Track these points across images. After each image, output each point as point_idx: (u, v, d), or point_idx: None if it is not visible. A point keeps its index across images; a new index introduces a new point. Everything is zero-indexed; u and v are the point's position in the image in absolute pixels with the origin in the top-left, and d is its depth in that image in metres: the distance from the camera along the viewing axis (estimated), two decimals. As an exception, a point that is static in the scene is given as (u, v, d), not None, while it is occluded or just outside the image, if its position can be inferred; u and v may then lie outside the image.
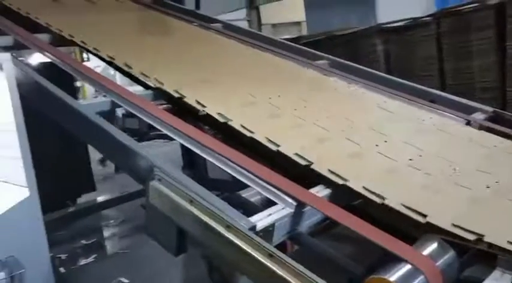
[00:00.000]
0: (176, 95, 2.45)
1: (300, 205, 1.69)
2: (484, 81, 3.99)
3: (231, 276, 1.61)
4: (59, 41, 3.08)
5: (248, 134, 2.15)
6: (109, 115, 2.27)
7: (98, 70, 4.19)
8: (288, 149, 2.02)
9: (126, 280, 3.44)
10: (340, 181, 1.84)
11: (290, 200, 1.69)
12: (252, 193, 1.90)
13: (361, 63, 3.39)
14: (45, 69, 2.89)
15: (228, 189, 2.09)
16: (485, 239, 1.52)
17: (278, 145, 2.05)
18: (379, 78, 3.14)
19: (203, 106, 2.35)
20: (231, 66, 3.12)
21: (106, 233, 4.76)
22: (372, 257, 1.56)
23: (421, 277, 1.38)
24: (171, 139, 2.14)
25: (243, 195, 1.91)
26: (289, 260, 1.38)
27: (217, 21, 4.13)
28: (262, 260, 1.42)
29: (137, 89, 2.75)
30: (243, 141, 2.17)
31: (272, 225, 1.59)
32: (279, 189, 1.73)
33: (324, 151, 2.07)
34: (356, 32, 5.06)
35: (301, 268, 1.36)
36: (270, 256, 1.41)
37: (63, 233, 4.43)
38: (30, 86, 2.36)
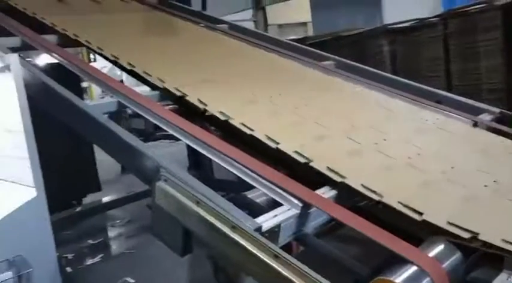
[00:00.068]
0: (178, 93, 2.46)
1: (306, 206, 1.69)
2: (491, 82, 3.97)
3: (236, 276, 1.61)
4: (66, 41, 3.10)
5: (248, 132, 2.16)
6: (116, 115, 2.28)
7: (105, 71, 4.22)
8: (288, 147, 2.03)
9: (132, 280, 3.45)
10: (339, 179, 1.85)
11: (296, 201, 1.69)
12: (258, 194, 1.90)
13: (367, 63, 3.39)
14: (51, 70, 2.91)
15: (234, 190, 2.09)
16: (480, 237, 1.53)
17: (277, 143, 2.06)
18: (385, 78, 3.14)
19: (204, 104, 2.36)
20: (235, 66, 3.13)
21: (112, 233, 4.78)
22: (377, 258, 1.56)
23: (427, 279, 1.38)
24: (177, 139, 2.15)
25: (249, 196, 1.91)
26: (295, 261, 1.38)
27: (223, 22, 4.14)
28: (268, 261, 1.42)
29: (144, 89, 2.77)
30: (244, 139, 2.18)
31: (278, 226, 1.59)
32: (284, 190, 1.73)
33: (323, 149, 2.08)
34: (362, 32, 5.05)
35: (306, 269, 1.36)
36: (276, 257, 1.41)
37: (70, 233, 4.46)
38: (38, 86, 2.38)
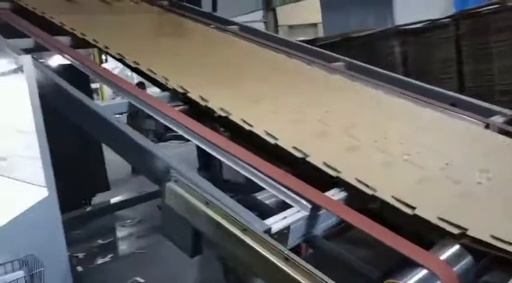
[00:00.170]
0: (181, 90, 2.49)
1: (315, 208, 1.68)
2: (503, 83, 3.92)
3: (246, 277, 1.61)
4: (78, 43, 3.13)
5: (247, 128, 2.19)
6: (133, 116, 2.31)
7: (116, 72, 4.25)
8: (286, 143, 2.05)
9: (142, 280, 3.47)
10: (334, 173, 1.87)
11: (305, 203, 1.69)
12: (267, 196, 1.90)
13: (378, 65, 3.36)
14: (62, 71, 2.94)
15: (243, 191, 2.10)
16: (469, 233, 1.54)
17: (276, 139, 2.08)
18: (396, 80, 3.12)
19: (206, 101, 2.38)
20: (243, 67, 3.14)
21: (123, 233, 4.81)
22: (387, 261, 1.55)
23: (438, 282, 1.37)
24: (187, 140, 2.16)
25: (258, 198, 1.92)
26: (304, 263, 1.38)
27: (233, 23, 4.14)
28: (277, 263, 1.42)
29: (154, 91, 2.79)
30: (254, 141, 2.19)
31: (287, 228, 1.59)
32: (294, 192, 1.73)
33: (321, 145, 2.10)
34: (373, 33, 5.02)
35: (316, 271, 1.36)
36: (285, 259, 1.41)
37: (80, 232, 4.49)
38: (50, 87, 2.40)
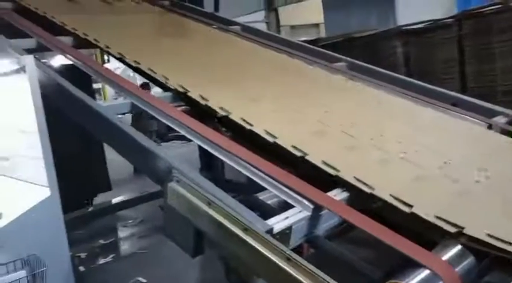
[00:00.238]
0: (181, 90, 2.50)
1: (317, 209, 1.68)
2: (506, 84, 3.92)
3: (248, 278, 1.61)
4: (80, 43, 3.13)
5: (248, 127, 2.20)
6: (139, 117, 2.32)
7: (118, 72, 4.26)
8: (285, 141, 2.06)
9: (144, 280, 3.47)
10: (333, 172, 1.87)
11: (307, 203, 1.68)
12: (269, 196, 1.90)
13: (380, 65, 3.36)
14: (64, 71, 2.94)
15: (245, 191, 2.10)
16: (465, 231, 1.54)
17: (275, 137, 2.09)
18: (398, 80, 3.11)
19: (206, 100, 2.39)
20: (245, 67, 3.15)
21: (125, 233, 4.81)
22: (389, 261, 1.55)
23: (440, 283, 1.37)
24: (189, 140, 2.16)
25: (260, 198, 1.92)
26: (306, 263, 1.38)
27: (235, 23, 4.14)
28: (279, 263, 1.42)
29: (158, 91, 2.79)
30: (256, 141, 2.19)
31: (289, 228, 1.59)
32: (296, 192, 1.72)
33: (320, 144, 2.11)
34: (375, 34, 5.02)
35: (318, 271, 1.36)
36: (287, 259, 1.41)
37: (82, 232, 4.50)
38: (52, 87, 2.41)
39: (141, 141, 2.01)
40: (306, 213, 1.66)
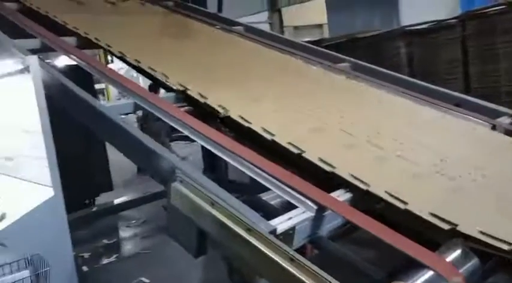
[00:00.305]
0: (180, 88, 2.52)
1: (321, 209, 1.68)
2: (510, 84, 3.90)
3: (251, 278, 1.60)
4: (84, 43, 3.14)
5: (246, 124, 2.21)
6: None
7: (121, 72, 4.26)
8: (283, 139, 2.08)
9: (147, 280, 3.47)
10: (329, 169, 1.88)
11: (311, 204, 1.68)
12: (272, 196, 1.90)
13: (384, 66, 3.36)
14: (66, 72, 2.94)
15: (248, 192, 2.10)
16: (459, 228, 1.55)
17: (273, 135, 2.10)
18: (402, 81, 3.11)
19: (205, 98, 2.40)
20: (247, 67, 3.15)
21: (128, 233, 4.82)
22: (392, 262, 1.54)
23: (444, 284, 1.36)
24: (193, 141, 2.16)
25: (263, 198, 1.91)
26: (310, 264, 1.38)
27: (239, 24, 4.14)
28: (283, 264, 1.42)
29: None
30: (259, 141, 2.19)
31: (292, 229, 1.59)
32: (299, 193, 1.72)
33: (317, 141, 2.13)
34: (379, 34, 5.01)
35: (321, 272, 1.35)
36: (291, 260, 1.41)
37: (86, 232, 4.50)
38: (56, 88, 2.41)
39: (145, 141, 2.01)
40: (310, 214, 1.65)
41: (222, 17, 4.30)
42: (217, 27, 3.98)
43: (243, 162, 1.90)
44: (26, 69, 2.14)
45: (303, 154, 1.98)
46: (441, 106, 2.76)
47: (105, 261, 4.05)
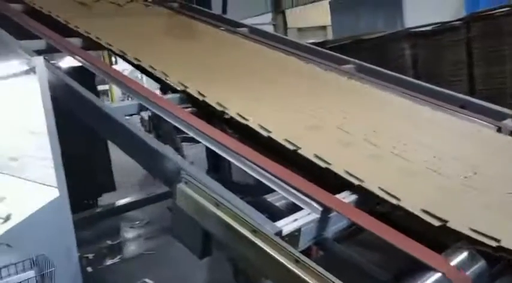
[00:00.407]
0: (180, 87, 2.54)
1: (326, 211, 1.68)
2: (515, 86, 3.89)
3: (256, 279, 1.60)
4: (89, 44, 3.15)
5: (243, 122, 2.22)
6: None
7: (125, 73, 4.27)
8: (279, 136, 2.09)
9: (151, 281, 3.47)
10: (324, 165, 1.89)
11: (316, 205, 1.68)
12: (277, 198, 1.89)
13: (388, 67, 3.35)
14: (69, 72, 2.95)
15: (252, 193, 2.09)
16: (449, 225, 1.57)
17: (270, 132, 2.11)
18: (407, 82, 3.10)
19: (203, 96, 2.42)
20: (249, 68, 3.16)
21: (132, 234, 4.82)
22: (398, 264, 1.54)
23: (450, 286, 1.36)
24: (197, 142, 2.16)
25: (268, 199, 1.91)
26: (315, 266, 1.38)
27: (243, 25, 4.15)
28: (288, 265, 1.41)
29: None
30: (264, 142, 2.19)
31: (298, 230, 1.58)
32: (305, 194, 1.72)
33: (313, 139, 2.14)
34: (383, 36, 5.00)
35: (327, 274, 1.35)
36: (296, 261, 1.41)
37: (89, 233, 4.51)
38: (61, 88, 2.42)
39: (150, 142, 2.01)
40: (315, 216, 1.65)
41: (226, 19, 4.31)
42: (222, 28, 3.99)
43: (249, 164, 1.89)
44: (31, 70, 2.15)
45: (299, 151, 2.00)
46: (446, 108, 2.76)
47: (109, 261, 4.06)
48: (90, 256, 4.10)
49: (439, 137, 2.41)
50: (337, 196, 1.77)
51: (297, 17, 10.91)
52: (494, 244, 1.49)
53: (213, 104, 2.36)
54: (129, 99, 2.55)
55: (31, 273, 1.89)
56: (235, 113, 2.28)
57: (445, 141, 2.38)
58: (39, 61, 2.16)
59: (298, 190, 1.74)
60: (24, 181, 2.29)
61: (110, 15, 3.93)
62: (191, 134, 2.15)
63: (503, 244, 1.49)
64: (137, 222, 5.02)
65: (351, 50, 4.66)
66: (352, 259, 1.77)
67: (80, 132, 3.78)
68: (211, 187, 1.73)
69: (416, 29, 4.72)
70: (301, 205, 1.70)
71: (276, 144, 2.11)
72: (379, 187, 1.77)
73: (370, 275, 1.71)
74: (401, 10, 7.89)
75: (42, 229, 1.99)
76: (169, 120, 2.25)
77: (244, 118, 2.24)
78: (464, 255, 1.50)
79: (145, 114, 2.46)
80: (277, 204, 1.89)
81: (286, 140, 2.06)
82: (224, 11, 5.33)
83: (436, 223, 1.59)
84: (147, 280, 3.50)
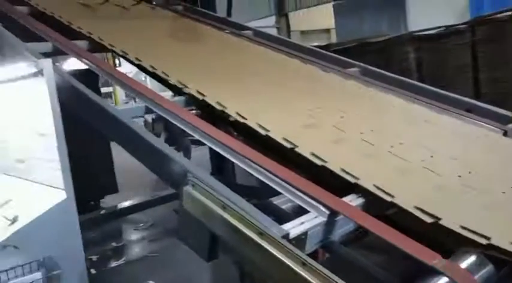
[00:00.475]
0: (180, 86, 2.56)
1: (333, 214, 1.68)
2: (521, 90, 3.89)
3: (262, 282, 1.60)
4: (95, 47, 3.16)
5: (241, 120, 2.24)
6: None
7: (130, 76, 4.28)
8: (277, 134, 2.11)
9: (155, 284, 3.48)
10: (320, 163, 1.92)
11: (323, 208, 1.68)
12: (283, 201, 1.90)
13: (392, 71, 3.35)
14: (74, 74, 2.96)
15: (257, 196, 2.10)
16: (441, 222, 1.59)
17: (267, 131, 2.14)
18: (411, 86, 3.10)
19: (203, 95, 2.44)
20: (252, 70, 3.17)
21: (136, 236, 4.83)
22: (405, 268, 1.54)
23: (458, 290, 1.35)
24: (202, 144, 2.17)
25: (274, 202, 1.91)
26: (322, 268, 1.38)
27: (247, 28, 4.15)
28: (295, 268, 1.42)
29: (169, 94, 2.81)
30: (269, 144, 2.20)
31: (305, 233, 1.59)
32: (311, 197, 1.72)
33: (309, 137, 2.16)
34: (388, 39, 5.00)
35: (333, 276, 1.35)
36: (303, 264, 1.41)
37: (94, 235, 4.52)
38: (68, 91, 2.43)
39: (157, 145, 2.02)
40: (322, 219, 1.65)
41: (231, 22, 4.31)
42: (227, 31, 4.00)
43: (255, 166, 1.90)
44: (39, 73, 2.16)
45: (296, 149, 2.02)
46: (452, 111, 2.75)
47: (113, 263, 4.06)
48: (94, 258, 4.11)
49: (438, 138, 2.41)
50: (344, 199, 1.78)
51: (301, 20, 10.92)
52: (484, 242, 1.51)
53: (213, 103, 2.38)
54: (134, 101, 2.56)
55: (38, 275, 1.90)
56: (234, 112, 2.29)
57: (445, 141, 2.39)
58: (47, 63, 2.17)
59: (304, 193, 1.74)
60: (31, 183, 2.30)
61: (115, 17, 3.95)
62: (197, 136, 2.15)
63: (494, 242, 1.50)
64: (141, 224, 5.03)
65: (355, 53, 4.66)
66: (358, 262, 1.76)
67: (82, 134, 3.79)
68: (218, 190, 1.73)
69: (421, 33, 4.72)
70: (308, 208, 1.70)
71: (274, 143, 2.13)
72: (374, 185, 1.79)
73: (377, 278, 1.70)
74: (405, 13, 7.90)
75: (49, 231, 1.99)
76: (174, 122, 2.25)
77: (243, 117, 2.25)
78: (472, 258, 1.50)
79: (149, 117, 2.46)
80: (283, 206, 1.90)
81: (284, 139, 2.08)
82: (229, 13, 5.33)
83: (429, 220, 1.62)
84: (151, 282, 3.50)
